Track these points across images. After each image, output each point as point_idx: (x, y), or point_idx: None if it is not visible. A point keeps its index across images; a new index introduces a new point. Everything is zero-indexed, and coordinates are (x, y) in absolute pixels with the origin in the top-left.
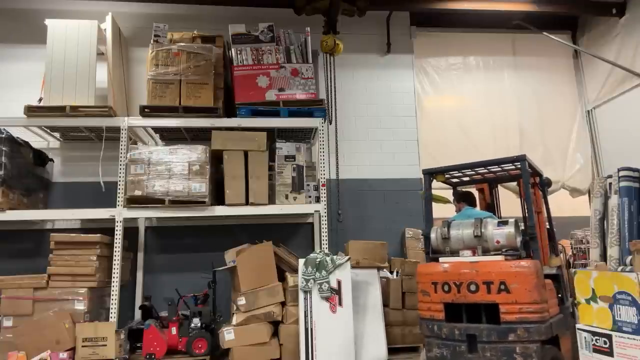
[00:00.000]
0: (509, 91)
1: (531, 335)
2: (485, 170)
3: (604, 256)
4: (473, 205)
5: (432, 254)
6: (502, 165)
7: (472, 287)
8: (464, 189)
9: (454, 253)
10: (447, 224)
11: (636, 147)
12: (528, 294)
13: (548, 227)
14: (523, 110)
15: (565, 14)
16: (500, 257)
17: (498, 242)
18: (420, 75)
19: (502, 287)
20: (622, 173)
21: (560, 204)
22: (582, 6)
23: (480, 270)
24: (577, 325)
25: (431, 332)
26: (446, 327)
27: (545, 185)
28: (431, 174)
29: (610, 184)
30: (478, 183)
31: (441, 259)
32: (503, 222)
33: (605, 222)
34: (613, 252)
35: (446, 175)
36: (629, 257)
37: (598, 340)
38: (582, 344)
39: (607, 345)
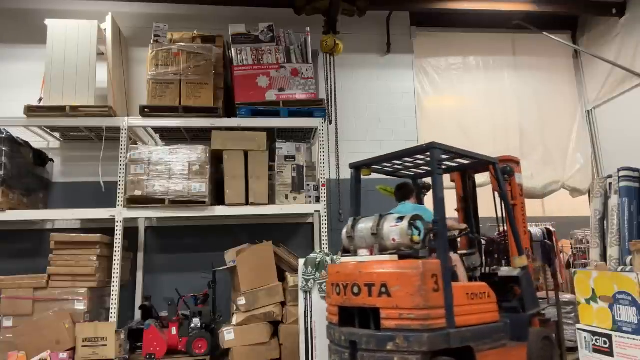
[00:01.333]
0: (509, 91)
1: (411, 345)
2: (411, 163)
3: (604, 256)
4: (406, 198)
5: (343, 252)
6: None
7: (355, 290)
8: (404, 182)
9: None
10: (353, 220)
11: (636, 147)
12: (410, 299)
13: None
14: (523, 110)
15: (565, 14)
16: (391, 257)
17: (394, 240)
18: (420, 75)
19: (383, 290)
20: (622, 173)
21: (561, 204)
22: (582, 6)
23: (362, 271)
24: (577, 325)
25: (329, 336)
26: (337, 332)
27: (505, 173)
28: (357, 167)
29: (610, 184)
30: (422, 175)
31: (342, 259)
32: (401, 218)
33: (605, 222)
34: (613, 252)
35: (378, 167)
36: (629, 257)
37: (598, 340)
38: (582, 344)
39: (607, 345)
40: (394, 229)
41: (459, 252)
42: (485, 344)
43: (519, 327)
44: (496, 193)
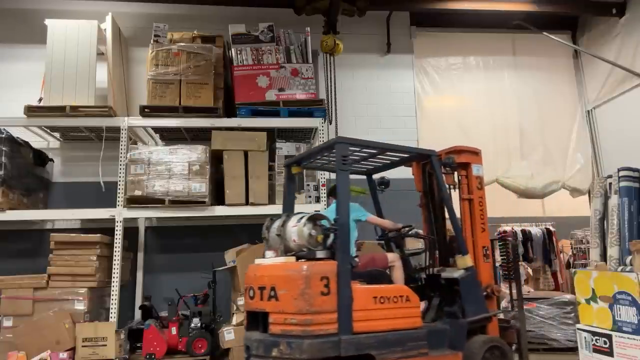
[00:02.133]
0: (509, 91)
1: (292, 352)
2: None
3: (604, 256)
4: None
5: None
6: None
7: (251, 293)
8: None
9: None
10: (270, 220)
11: (636, 147)
12: (293, 303)
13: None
14: (523, 110)
15: (565, 14)
16: (288, 259)
17: (294, 240)
18: (420, 75)
19: (272, 293)
20: (622, 173)
21: (561, 204)
22: (582, 6)
23: (257, 274)
24: (577, 325)
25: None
26: (244, 336)
27: (446, 165)
28: (288, 165)
29: (610, 184)
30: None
31: (257, 260)
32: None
33: (605, 222)
34: (613, 252)
35: (314, 164)
36: (629, 257)
37: (598, 340)
38: (582, 344)
39: (607, 345)
40: (293, 230)
41: (409, 251)
42: (394, 352)
43: (455, 334)
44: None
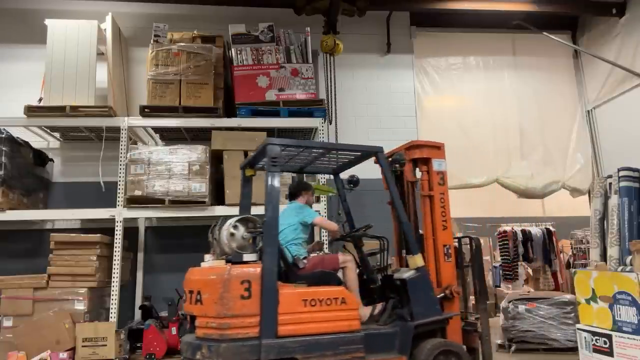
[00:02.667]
0: (509, 91)
1: (212, 355)
2: (304, 158)
3: (604, 256)
4: (294, 198)
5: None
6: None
7: (185, 297)
8: (297, 181)
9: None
10: (216, 223)
11: (636, 147)
12: (213, 306)
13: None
14: (523, 110)
15: (565, 14)
16: (217, 263)
17: (226, 244)
18: (420, 75)
19: (198, 297)
20: (622, 173)
21: (561, 204)
22: (582, 6)
23: (190, 277)
24: (577, 325)
25: None
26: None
27: (395, 162)
28: (243, 168)
29: (610, 184)
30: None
31: (202, 263)
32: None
33: (605, 222)
34: (613, 252)
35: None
36: (629, 257)
37: (598, 340)
38: (582, 344)
39: (607, 345)
40: (225, 233)
41: (369, 251)
42: (324, 356)
43: (400, 338)
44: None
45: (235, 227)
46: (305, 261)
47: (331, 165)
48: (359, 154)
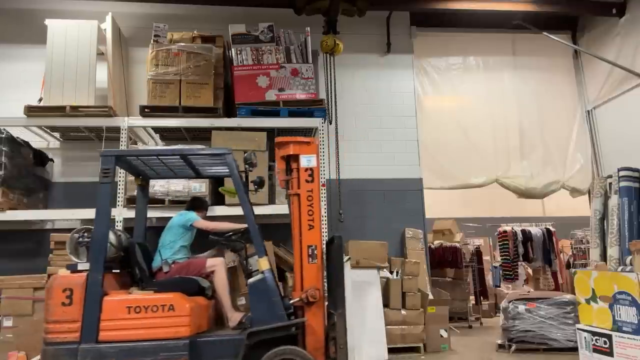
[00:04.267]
0: (509, 91)
1: (42, 358)
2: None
3: (604, 256)
4: (189, 208)
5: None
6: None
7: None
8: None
9: None
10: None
11: (636, 147)
12: (45, 313)
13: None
14: (523, 111)
15: (565, 14)
16: (65, 272)
17: (69, 252)
18: (420, 75)
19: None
20: (622, 173)
21: (561, 204)
22: (582, 6)
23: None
24: (577, 325)
25: None
26: None
27: (246, 163)
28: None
29: (610, 184)
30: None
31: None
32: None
33: (605, 222)
34: (613, 252)
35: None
36: (629, 257)
37: (598, 340)
38: (582, 344)
39: (607, 345)
40: (67, 242)
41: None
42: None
43: (232, 345)
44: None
45: (76, 236)
46: (172, 265)
47: (198, 169)
48: (209, 155)
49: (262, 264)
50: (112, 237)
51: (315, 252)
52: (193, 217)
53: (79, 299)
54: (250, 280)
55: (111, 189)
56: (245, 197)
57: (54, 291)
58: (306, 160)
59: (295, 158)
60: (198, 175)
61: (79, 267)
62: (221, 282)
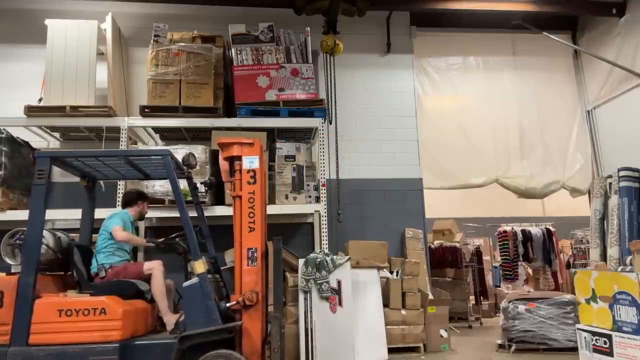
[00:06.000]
0: (509, 91)
1: None
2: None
3: (604, 256)
4: (124, 207)
5: None
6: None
7: None
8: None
9: None
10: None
11: (636, 147)
12: None
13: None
14: (523, 111)
15: (565, 14)
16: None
17: (3, 253)
18: (420, 75)
19: None
20: (622, 173)
21: (561, 204)
22: (582, 6)
23: None
24: (577, 325)
25: None
26: None
27: (185, 164)
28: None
29: (610, 184)
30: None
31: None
32: None
33: (605, 222)
34: (613, 252)
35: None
36: (629, 257)
37: (598, 340)
38: (582, 344)
39: (607, 345)
40: (2, 244)
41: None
42: None
43: (164, 349)
44: None
45: (10, 238)
46: (108, 270)
47: (146, 170)
48: (149, 156)
49: (197, 267)
50: (49, 239)
51: (255, 254)
52: (114, 222)
53: (9, 301)
54: (185, 283)
55: (46, 190)
56: (180, 198)
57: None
58: (248, 162)
59: (239, 159)
60: (147, 176)
61: (12, 270)
62: (158, 285)
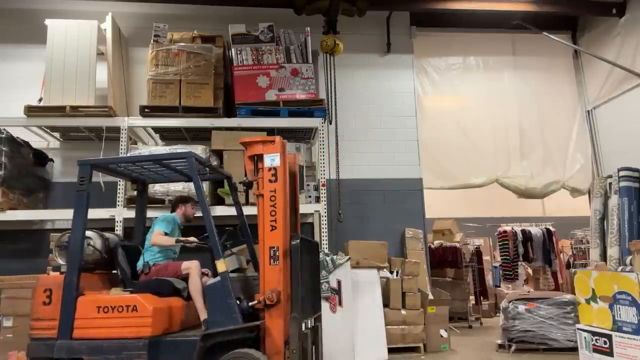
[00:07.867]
0: (509, 91)
1: (27, 352)
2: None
3: (604, 256)
4: (172, 211)
5: None
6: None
7: None
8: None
9: None
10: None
11: (636, 147)
12: (30, 311)
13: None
14: (523, 110)
15: (565, 14)
16: (54, 274)
17: (55, 254)
18: (420, 75)
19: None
20: (622, 173)
21: (561, 204)
22: (582, 6)
23: None
24: (577, 325)
25: None
26: None
27: (202, 164)
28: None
29: (610, 184)
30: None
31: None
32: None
33: (605, 222)
34: (613, 252)
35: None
36: (629, 257)
37: (598, 340)
38: (582, 344)
39: (607, 345)
40: (53, 245)
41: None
42: (107, 359)
43: (188, 347)
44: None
45: (60, 240)
46: (152, 267)
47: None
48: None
49: (219, 266)
50: (96, 240)
51: (277, 253)
52: (158, 225)
53: (57, 299)
54: (208, 282)
55: (87, 195)
56: (203, 199)
57: (37, 291)
58: (270, 160)
59: (261, 158)
60: (189, 179)
61: (62, 269)
62: (194, 284)
